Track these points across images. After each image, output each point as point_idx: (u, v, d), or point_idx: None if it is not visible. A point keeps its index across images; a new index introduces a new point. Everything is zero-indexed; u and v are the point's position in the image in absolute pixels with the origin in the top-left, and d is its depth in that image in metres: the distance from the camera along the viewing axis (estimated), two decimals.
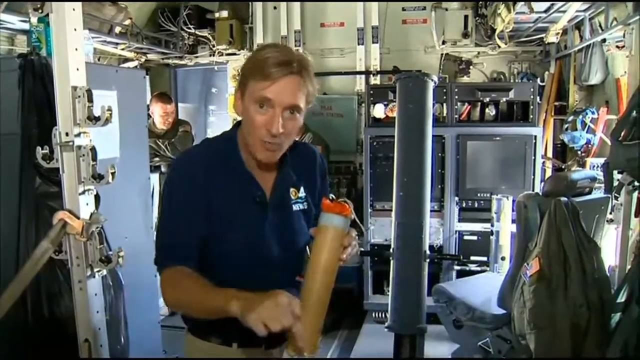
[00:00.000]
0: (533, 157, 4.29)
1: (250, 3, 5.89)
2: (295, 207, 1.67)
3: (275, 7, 5.88)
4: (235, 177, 1.59)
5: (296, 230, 1.66)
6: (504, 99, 4.42)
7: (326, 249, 1.47)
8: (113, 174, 2.14)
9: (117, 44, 5.22)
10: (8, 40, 4.44)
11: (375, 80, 5.61)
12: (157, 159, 4.82)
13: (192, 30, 5.94)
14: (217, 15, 5.88)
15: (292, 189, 1.68)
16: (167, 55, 6.07)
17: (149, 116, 4.96)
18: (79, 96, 2.08)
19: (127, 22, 5.04)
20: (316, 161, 1.78)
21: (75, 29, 2.07)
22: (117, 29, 4.96)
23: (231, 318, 1.33)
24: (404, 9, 5.65)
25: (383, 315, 4.35)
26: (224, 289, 1.38)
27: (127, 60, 5.72)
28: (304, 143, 2.00)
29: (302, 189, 1.69)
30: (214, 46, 5.99)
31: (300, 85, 1.50)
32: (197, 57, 6.21)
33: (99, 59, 5.25)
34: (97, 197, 2.38)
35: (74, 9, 2.06)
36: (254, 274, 1.57)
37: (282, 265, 1.63)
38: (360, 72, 5.72)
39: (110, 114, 2.09)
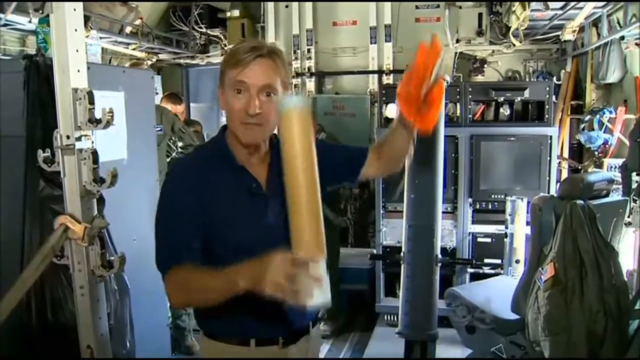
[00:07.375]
0: (548, 158, 4.18)
1: (262, 2, 5.87)
2: None
3: (287, 6, 5.83)
4: (228, 173, 1.63)
5: None
6: (519, 99, 4.31)
7: (295, 134, 1.41)
8: (114, 177, 2.10)
9: (128, 44, 5.22)
10: (20, 41, 4.45)
11: (389, 79, 5.53)
12: (180, 143, 4.53)
13: (204, 30, 5.96)
14: (228, 14, 5.88)
15: None
16: (179, 55, 6.08)
17: None
18: (80, 98, 2.05)
19: (138, 22, 5.03)
20: None
21: (76, 30, 2.05)
22: (128, 29, 4.95)
23: (246, 317, 1.56)
24: (417, 7, 5.56)
25: (395, 318, 4.26)
26: (222, 272, 1.44)
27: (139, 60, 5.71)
28: None
29: None
30: (225, 45, 5.97)
31: (273, 68, 1.57)
32: (208, 56, 6.21)
33: (110, 60, 5.25)
34: (102, 200, 2.35)
35: (74, 9, 2.03)
36: None
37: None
38: (373, 72, 5.64)
39: (112, 117, 2.06)
